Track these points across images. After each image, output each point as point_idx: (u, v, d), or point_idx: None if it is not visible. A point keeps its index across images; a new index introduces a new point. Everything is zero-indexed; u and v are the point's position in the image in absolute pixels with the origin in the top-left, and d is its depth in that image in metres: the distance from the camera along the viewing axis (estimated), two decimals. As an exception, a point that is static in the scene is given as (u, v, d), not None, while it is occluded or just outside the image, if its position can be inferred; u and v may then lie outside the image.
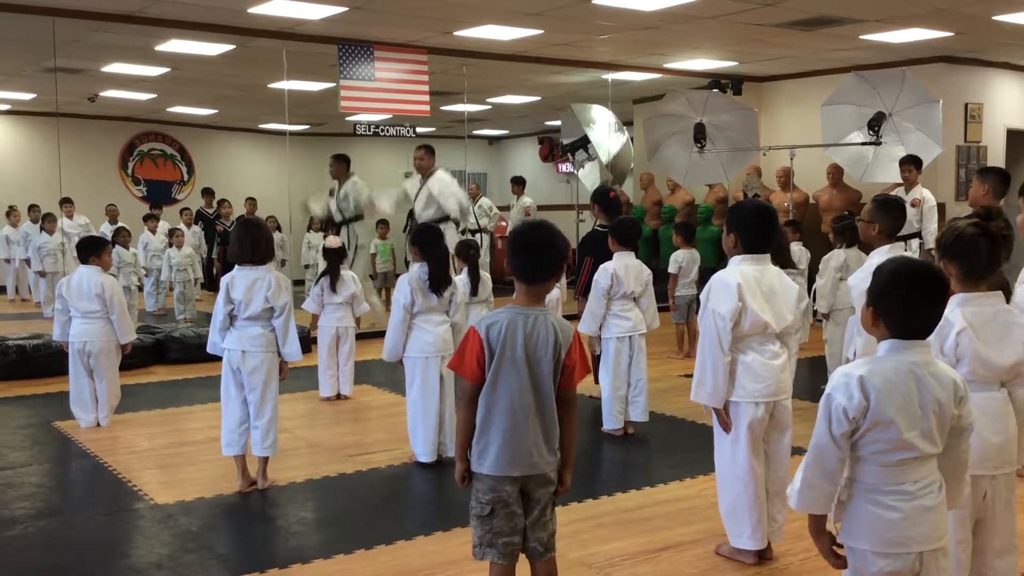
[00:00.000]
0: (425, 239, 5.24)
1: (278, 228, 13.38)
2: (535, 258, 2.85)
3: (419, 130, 11.77)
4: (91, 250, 6.37)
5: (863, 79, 9.74)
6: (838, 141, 10.07)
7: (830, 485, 2.37)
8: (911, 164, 8.79)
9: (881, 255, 4.13)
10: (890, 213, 4.28)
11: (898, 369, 2.32)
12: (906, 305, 2.33)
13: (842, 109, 10.01)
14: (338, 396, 7.18)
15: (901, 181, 9.37)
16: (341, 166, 10.15)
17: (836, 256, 6.86)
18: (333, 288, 7.06)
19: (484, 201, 13.74)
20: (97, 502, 4.82)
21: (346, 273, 7.20)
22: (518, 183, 14.31)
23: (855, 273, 4.29)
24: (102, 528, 4.40)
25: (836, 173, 10.76)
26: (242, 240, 4.83)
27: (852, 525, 2.38)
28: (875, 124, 9.56)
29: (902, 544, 2.33)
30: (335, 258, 7.12)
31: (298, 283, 12.14)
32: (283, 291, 4.81)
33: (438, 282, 5.15)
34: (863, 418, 2.29)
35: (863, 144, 9.78)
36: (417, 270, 5.21)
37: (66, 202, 12.18)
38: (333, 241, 7.23)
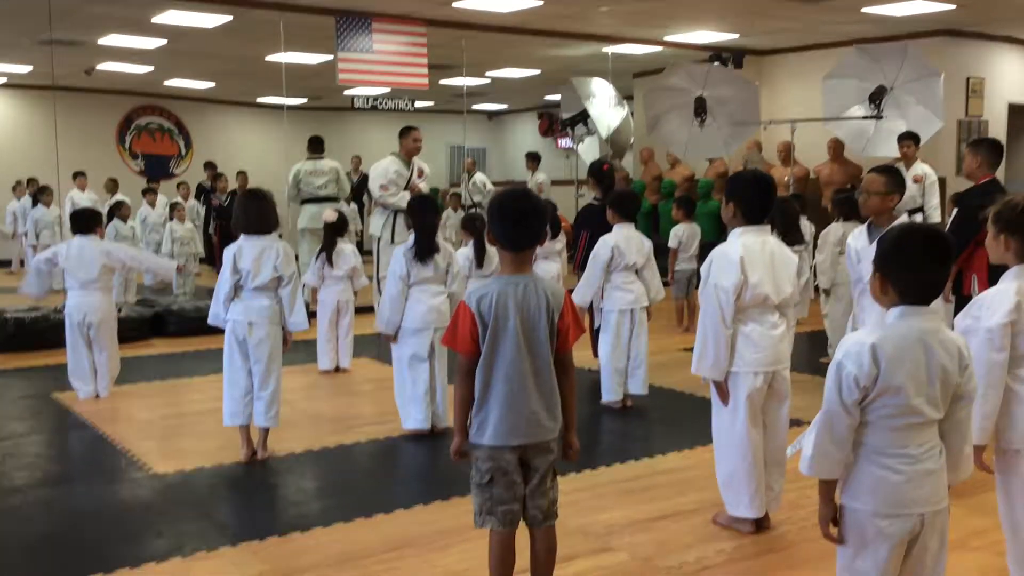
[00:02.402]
0: (416, 208, 5.27)
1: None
2: (521, 227, 2.86)
3: (418, 104, 11.70)
4: (93, 221, 6.42)
5: (865, 52, 9.69)
6: (839, 115, 10.03)
7: (840, 451, 2.38)
8: (910, 140, 8.79)
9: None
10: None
11: (908, 336, 2.34)
12: (913, 268, 2.35)
13: (843, 83, 9.96)
14: (337, 369, 7.19)
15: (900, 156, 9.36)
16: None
17: (834, 230, 6.83)
18: (330, 262, 7.05)
19: (479, 177, 13.59)
20: (97, 472, 4.83)
21: (346, 247, 7.17)
22: (533, 159, 14.13)
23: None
24: (102, 497, 4.42)
25: (837, 147, 10.72)
26: (248, 210, 4.82)
27: (855, 487, 2.40)
28: (876, 98, 9.52)
29: (904, 505, 2.35)
30: (332, 232, 7.09)
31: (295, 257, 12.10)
32: (290, 260, 4.84)
33: (422, 250, 5.14)
34: (873, 385, 2.31)
35: (864, 118, 9.74)
36: (412, 240, 5.21)
37: (79, 175, 12.19)
38: (329, 215, 7.20)
